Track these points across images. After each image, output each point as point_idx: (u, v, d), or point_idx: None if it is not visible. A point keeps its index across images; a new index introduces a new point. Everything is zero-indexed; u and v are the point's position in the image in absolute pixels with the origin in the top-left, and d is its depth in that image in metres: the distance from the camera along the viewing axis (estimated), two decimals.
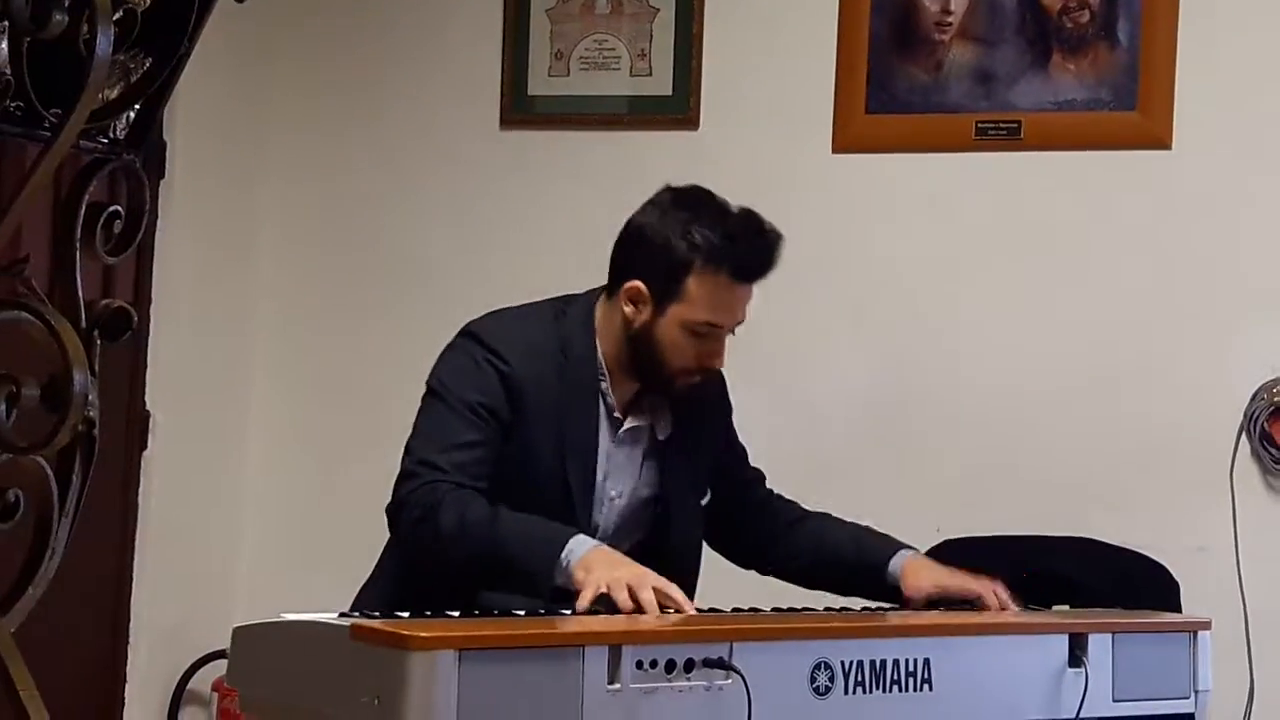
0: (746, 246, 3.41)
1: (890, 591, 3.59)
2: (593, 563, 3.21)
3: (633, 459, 3.57)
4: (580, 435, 3.48)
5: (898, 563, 3.60)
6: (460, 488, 3.31)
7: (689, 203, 3.45)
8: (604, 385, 3.51)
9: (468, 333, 3.49)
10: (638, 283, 3.43)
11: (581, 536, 3.26)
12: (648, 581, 3.18)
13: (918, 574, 3.58)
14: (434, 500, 3.30)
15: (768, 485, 3.83)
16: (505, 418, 3.40)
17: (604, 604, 3.13)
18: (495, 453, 3.39)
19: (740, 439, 3.81)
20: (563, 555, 3.22)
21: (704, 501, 3.65)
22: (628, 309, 3.44)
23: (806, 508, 3.80)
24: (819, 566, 3.72)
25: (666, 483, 3.60)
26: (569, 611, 3.12)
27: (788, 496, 3.81)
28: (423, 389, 3.46)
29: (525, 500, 3.38)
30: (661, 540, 3.58)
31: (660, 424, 3.58)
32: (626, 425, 3.54)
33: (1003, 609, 3.51)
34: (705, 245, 3.38)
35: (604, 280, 3.52)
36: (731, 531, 3.76)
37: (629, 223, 3.47)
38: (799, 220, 4.74)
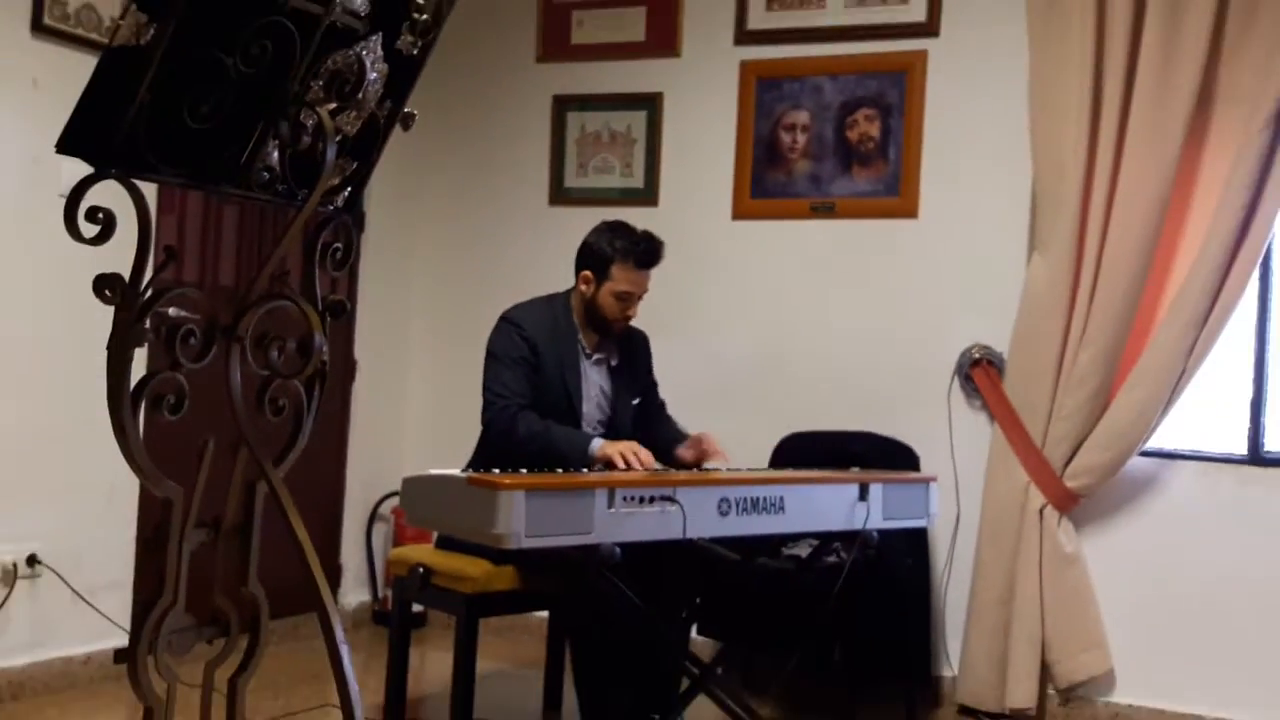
0: (643, 248, 3.53)
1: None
2: (607, 446, 3.34)
3: (600, 375, 3.66)
4: (570, 364, 3.57)
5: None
6: (521, 407, 3.42)
7: (612, 227, 3.58)
8: (579, 337, 3.60)
9: (503, 317, 3.60)
10: (587, 272, 3.56)
11: (597, 438, 3.41)
12: (637, 446, 3.34)
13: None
14: (509, 417, 3.41)
15: (667, 410, 3.89)
16: (531, 361, 3.49)
17: (610, 465, 3.28)
18: (531, 381, 3.48)
19: (657, 376, 3.88)
20: (589, 449, 3.35)
21: (635, 402, 3.73)
22: (583, 288, 3.58)
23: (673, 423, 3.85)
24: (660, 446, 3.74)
25: (615, 389, 3.68)
26: (585, 470, 3.21)
27: (677, 418, 3.87)
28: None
29: (552, 402, 3.51)
30: (612, 421, 3.66)
31: (612, 357, 3.67)
32: (594, 358, 3.63)
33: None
34: (621, 248, 3.52)
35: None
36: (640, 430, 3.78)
37: (583, 241, 3.61)
38: (712, 257, 4.81)
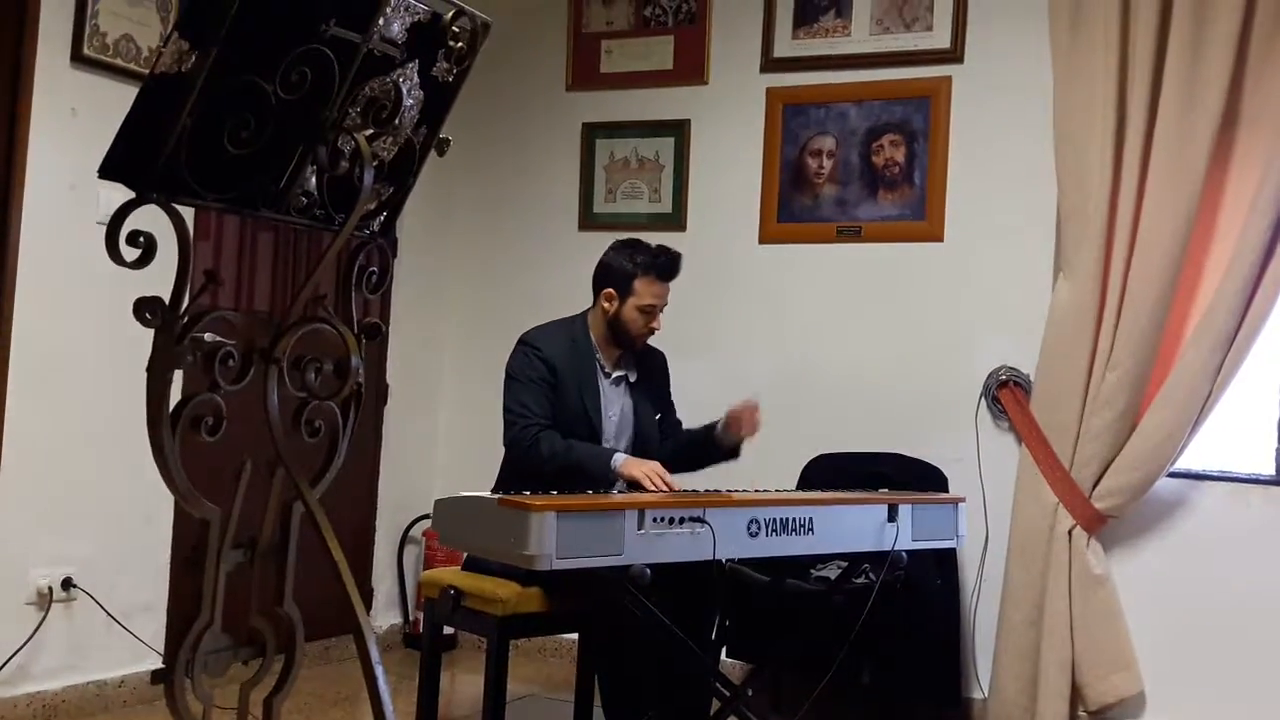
0: (664, 260, 3.53)
1: (715, 436, 3.63)
2: (629, 464, 3.33)
3: (619, 393, 3.65)
4: (588, 383, 3.55)
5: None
6: (543, 427, 3.39)
7: (629, 244, 3.60)
8: (598, 356, 3.59)
9: (520, 340, 3.59)
10: (609, 290, 3.54)
11: (619, 453, 3.38)
12: (661, 469, 3.31)
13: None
14: (532, 437, 3.38)
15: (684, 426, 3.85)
16: (550, 381, 3.47)
17: (634, 485, 3.24)
18: (550, 401, 3.45)
19: (682, 397, 3.87)
20: (611, 463, 3.32)
21: (657, 418, 3.71)
22: (606, 305, 3.56)
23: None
24: (681, 449, 3.70)
25: (636, 406, 3.67)
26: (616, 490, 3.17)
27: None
28: None
29: (570, 423, 3.48)
30: (638, 435, 3.65)
31: (630, 374, 3.66)
32: (613, 376, 3.62)
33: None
34: (642, 263, 3.52)
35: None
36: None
37: (599, 261, 3.61)
38: (740, 280, 4.80)
